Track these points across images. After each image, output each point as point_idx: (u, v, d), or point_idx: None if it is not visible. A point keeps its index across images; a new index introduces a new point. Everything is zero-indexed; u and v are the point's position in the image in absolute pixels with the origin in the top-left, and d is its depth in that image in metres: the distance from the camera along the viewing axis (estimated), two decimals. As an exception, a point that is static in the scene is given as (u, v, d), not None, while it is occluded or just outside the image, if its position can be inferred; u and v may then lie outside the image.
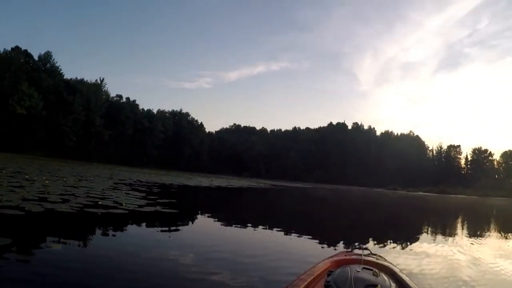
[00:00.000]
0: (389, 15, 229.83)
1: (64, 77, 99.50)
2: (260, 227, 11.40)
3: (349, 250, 5.99)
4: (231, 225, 11.31)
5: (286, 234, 10.42)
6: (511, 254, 10.64)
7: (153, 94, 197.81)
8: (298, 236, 10.06)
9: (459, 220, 26.05)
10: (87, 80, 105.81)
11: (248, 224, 11.57)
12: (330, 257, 4.68)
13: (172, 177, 46.51)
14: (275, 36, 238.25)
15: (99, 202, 10.86)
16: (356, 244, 9.25)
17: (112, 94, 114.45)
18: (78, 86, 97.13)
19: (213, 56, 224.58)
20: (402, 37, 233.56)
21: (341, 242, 9.80)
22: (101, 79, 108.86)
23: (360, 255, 4.45)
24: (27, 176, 18.66)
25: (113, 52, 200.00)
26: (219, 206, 18.59)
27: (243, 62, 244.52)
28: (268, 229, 11.17)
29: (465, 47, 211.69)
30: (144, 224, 9.12)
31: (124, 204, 11.05)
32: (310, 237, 10.25)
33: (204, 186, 33.48)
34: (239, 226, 11.31)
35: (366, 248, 4.73)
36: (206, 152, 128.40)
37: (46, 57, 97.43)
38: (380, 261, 4.35)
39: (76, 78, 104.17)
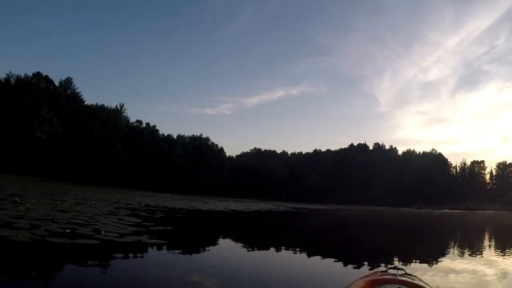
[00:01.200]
0: (406, 36, 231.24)
1: (85, 103, 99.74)
2: (284, 249, 11.02)
3: (384, 270, 5.69)
4: (252, 249, 10.15)
5: (311, 255, 10.40)
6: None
7: (174, 120, 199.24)
8: (323, 257, 10.03)
9: (488, 235, 25.07)
10: (107, 106, 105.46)
11: (271, 247, 11.23)
12: (365, 276, 4.84)
13: (187, 201, 45.38)
14: (295, 61, 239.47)
15: (67, 230, 9.40)
16: (391, 264, 8.57)
17: (132, 119, 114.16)
18: (98, 112, 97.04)
19: (233, 82, 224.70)
20: (420, 58, 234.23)
21: (375, 261, 9.80)
22: (121, 104, 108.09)
23: (395, 275, 4.55)
24: (17, 198, 17.60)
25: (135, 78, 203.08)
26: (229, 231, 17.33)
27: (263, 88, 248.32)
28: (292, 251, 10.85)
29: (483, 64, 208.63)
30: (112, 257, 7.79)
31: (103, 233, 9.72)
32: (337, 259, 10.08)
33: (218, 210, 32.28)
34: (259, 249, 10.82)
35: (401, 268, 4.82)
36: (226, 176, 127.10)
37: (67, 83, 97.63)
38: (415, 281, 4.45)
39: (97, 104, 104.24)
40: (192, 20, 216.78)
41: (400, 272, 4.59)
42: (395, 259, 11.11)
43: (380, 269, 6.76)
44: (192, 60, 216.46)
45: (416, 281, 4.36)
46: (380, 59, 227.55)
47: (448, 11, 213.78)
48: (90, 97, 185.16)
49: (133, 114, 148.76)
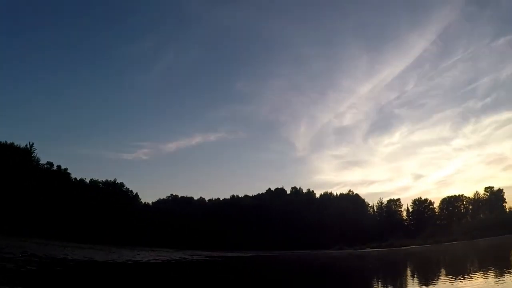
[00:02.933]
0: (322, 83, 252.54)
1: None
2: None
3: None
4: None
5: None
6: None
7: (90, 164, 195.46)
8: None
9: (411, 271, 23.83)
10: (18, 145, 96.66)
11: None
12: None
13: (90, 251, 40.73)
14: (213, 108, 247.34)
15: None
16: None
17: (43, 161, 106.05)
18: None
19: (152, 127, 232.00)
20: (335, 104, 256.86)
21: None
22: (31, 144, 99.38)
23: None
24: None
25: (47, 119, 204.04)
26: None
27: (181, 133, 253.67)
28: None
29: (394, 109, 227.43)
30: None
31: None
32: None
33: (119, 262, 28.39)
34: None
35: None
36: (141, 224, 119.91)
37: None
38: None
39: (6, 141, 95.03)
40: (111, 63, 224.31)
41: None
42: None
43: None
44: (109, 104, 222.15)
45: None
46: (297, 106, 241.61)
47: (362, 59, 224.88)
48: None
49: (43, 155, 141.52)
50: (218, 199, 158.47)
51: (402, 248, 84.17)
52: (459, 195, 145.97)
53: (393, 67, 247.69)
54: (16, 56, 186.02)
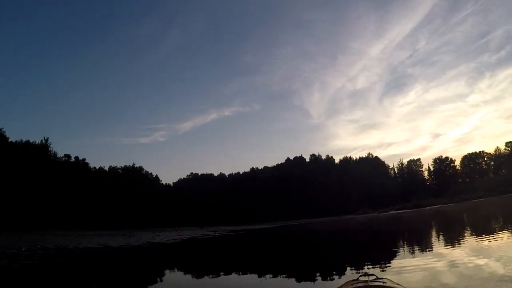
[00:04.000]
0: (331, 48, 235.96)
1: (9, 140, 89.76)
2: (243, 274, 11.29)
3: (355, 278, 5.42)
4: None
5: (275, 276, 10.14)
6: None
7: (107, 152, 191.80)
8: (287, 277, 9.80)
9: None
10: (33, 142, 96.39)
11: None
12: None
13: (108, 237, 39.67)
14: (225, 82, 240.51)
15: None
16: (361, 271, 8.83)
17: (61, 154, 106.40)
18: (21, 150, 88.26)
19: (166, 108, 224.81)
20: (346, 68, 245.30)
21: (344, 271, 10.13)
22: (46, 138, 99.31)
23: (367, 281, 4.71)
24: None
25: (59, 111, 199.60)
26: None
27: (196, 111, 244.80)
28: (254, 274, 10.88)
29: (407, 68, 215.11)
30: None
31: None
32: (303, 277, 9.83)
33: (134, 245, 27.23)
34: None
35: (371, 274, 5.03)
36: (163, 205, 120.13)
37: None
38: (387, 284, 4.64)
39: (21, 140, 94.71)
40: (118, 47, 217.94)
41: (372, 277, 4.69)
42: (365, 266, 11.27)
43: (352, 277, 6.31)
44: (120, 89, 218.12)
45: (388, 284, 4.47)
46: (308, 73, 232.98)
47: (370, 19, 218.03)
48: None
49: (61, 149, 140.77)
50: (238, 173, 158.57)
51: (428, 208, 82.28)
52: (480, 151, 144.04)
53: (402, 25, 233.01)
54: (17, 47, 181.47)
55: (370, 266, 10.93)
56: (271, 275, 10.46)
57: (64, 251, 21.40)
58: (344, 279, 8.10)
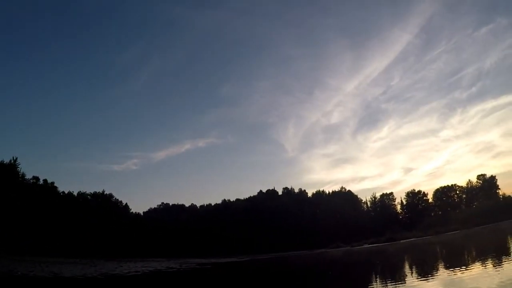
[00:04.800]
0: (308, 83, 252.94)
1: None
2: None
3: None
4: None
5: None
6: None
7: (79, 177, 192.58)
8: None
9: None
10: (2, 161, 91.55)
11: None
12: None
13: (61, 265, 36.72)
14: (201, 113, 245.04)
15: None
16: None
17: (29, 176, 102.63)
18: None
19: (141, 137, 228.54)
20: (322, 103, 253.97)
21: None
22: (14, 158, 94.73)
23: None
24: None
25: (32, 134, 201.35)
26: None
27: (170, 141, 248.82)
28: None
29: (381, 104, 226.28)
30: None
31: None
32: None
33: (89, 277, 24.75)
34: None
35: None
36: (131, 235, 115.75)
37: None
38: None
39: None
40: (96, 73, 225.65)
41: None
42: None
43: None
44: (95, 114, 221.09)
45: None
46: (284, 107, 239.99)
47: (346, 56, 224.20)
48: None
49: (32, 171, 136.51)
50: (210, 204, 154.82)
51: (402, 241, 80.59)
52: (452, 184, 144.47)
53: (377, 62, 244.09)
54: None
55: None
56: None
57: (9, 279, 18.94)
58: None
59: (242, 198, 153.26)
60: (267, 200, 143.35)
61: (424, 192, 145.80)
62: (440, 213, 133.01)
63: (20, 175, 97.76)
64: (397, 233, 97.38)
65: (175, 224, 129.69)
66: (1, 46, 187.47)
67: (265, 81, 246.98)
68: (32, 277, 23.31)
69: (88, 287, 20.96)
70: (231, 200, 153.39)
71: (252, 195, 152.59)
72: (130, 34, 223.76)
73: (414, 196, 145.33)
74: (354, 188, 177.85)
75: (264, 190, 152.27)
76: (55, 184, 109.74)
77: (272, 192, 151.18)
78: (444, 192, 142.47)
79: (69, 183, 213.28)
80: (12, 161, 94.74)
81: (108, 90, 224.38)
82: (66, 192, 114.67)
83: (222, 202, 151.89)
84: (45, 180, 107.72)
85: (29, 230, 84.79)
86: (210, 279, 28.88)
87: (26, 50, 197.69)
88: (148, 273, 31.52)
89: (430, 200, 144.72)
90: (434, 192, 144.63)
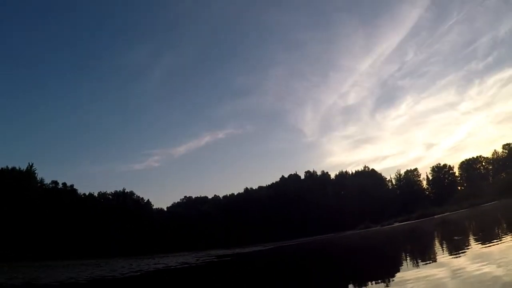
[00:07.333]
0: (322, 66, 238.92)
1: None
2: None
3: None
4: None
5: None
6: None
7: (100, 180, 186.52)
8: None
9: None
10: (19, 168, 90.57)
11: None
12: None
13: (66, 268, 32.24)
14: (218, 105, 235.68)
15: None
16: None
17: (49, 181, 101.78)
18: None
19: (160, 134, 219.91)
20: (337, 84, 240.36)
21: None
22: (30, 164, 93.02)
23: None
24: None
25: (53, 138, 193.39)
26: None
27: (189, 135, 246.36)
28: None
29: (397, 81, 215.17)
30: None
31: None
32: None
33: (80, 281, 20.08)
34: None
35: None
36: (155, 231, 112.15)
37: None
38: None
39: (7, 167, 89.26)
40: (111, 73, 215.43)
41: None
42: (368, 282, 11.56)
43: None
44: (113, 115, 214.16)
45: None
46: (300, 92, 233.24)
47: (358, 36, 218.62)
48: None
49: (53, 176, 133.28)
50: (233, 194, 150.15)
51: (436, 217, 74.36)
52: (477, 156, 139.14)
53: (390, 39, 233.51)
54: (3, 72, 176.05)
55: (374, 282, 11.12)
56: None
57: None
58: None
59: (265, 185, 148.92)
60: (289, 186, 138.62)
61: (450, 166, 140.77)
62: (468, 186, 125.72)
63: (38, 181, 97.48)
64: (427, 209, 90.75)
65: (199, 216, 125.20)
66: (15, 50, 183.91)
67: (278, 68, 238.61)
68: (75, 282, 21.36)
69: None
70: (254, 188, 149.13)
71: (274, 182, 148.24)
72: (140, 33, 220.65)
73: (440, 171, 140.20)
74: (376, 167, 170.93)
75: (286, 175, 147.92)
76: (74, 187, 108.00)
77: (294, 177, 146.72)
78: (469, 165, 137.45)
79: (92, 187, 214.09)
80: (29, 167, 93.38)
81: (123, 89, 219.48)
82: (86, 193, 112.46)
83: (244, 191, 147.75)
84: (64, 184, 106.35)
85: (46, 234, 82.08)
86: (213, 274, 24.71)
87: (39, 54, 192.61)
88: (152, 271, 27.04)
89: (457, 174, 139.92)
90: (459, 165, 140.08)
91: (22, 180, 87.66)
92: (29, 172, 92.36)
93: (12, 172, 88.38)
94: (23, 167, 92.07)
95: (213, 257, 44.09)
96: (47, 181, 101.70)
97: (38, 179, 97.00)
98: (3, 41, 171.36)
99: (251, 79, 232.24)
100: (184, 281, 21.78)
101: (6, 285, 20.92)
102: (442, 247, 19.08)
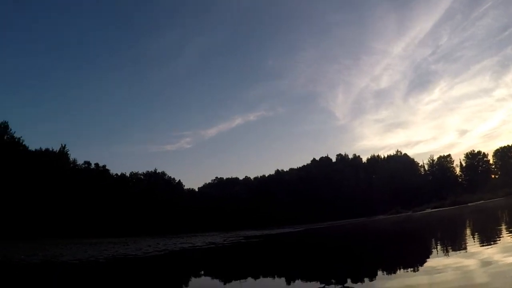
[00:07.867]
0: (354, 49, 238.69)
1: (29, 149, 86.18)
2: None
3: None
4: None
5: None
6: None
7: (134, 160, 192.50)
8: None
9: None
10: (52, 149, 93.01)
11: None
12: None
13: (117, 245, 32.83)
14: (249, 87, 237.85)
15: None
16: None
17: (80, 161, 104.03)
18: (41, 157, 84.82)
19: (191, 116, 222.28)
20: (370, 67, 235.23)
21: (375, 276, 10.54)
22: (63, 145, 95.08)
23: None
24: None
25: (87, 120, 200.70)
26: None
27: (221, 117, 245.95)
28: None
29: (430, 65, 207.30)
30: None
31: None
32: None
33: (91, 260, 20.15)
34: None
35: (336, 283, 5.30)
36: (186, 211, 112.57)
37: (3, 129, 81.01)
38: None
39: (40, 148, 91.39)
40: (142, 56, 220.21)
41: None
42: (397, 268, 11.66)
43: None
44: (145, 97, 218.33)
45: None
46: (331, 74, 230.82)
47: (390, 18, 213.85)
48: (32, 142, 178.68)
49: (87, 157, 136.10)
50: (264, 175, 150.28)
51: (470, 204, 72.62)
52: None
53: (423, 22, 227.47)
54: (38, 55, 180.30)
55: (402, 269, 11.17)
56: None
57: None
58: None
59: (296, 167, 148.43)
60: (321, 168, 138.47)
61: (484, 153, 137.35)
62: (503, 174, 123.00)
63: (71, 161, 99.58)
64: (460, 196, 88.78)
65: (230, 197, 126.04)
66: (49, 34, 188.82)
67: (309, 51, 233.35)
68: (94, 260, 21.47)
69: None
70: (285, 170, 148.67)
71: (305, 164, 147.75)
72: (172, 16, 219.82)
73: (474, 158, 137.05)
74: (408, 152, 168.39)
75: (317, 158, 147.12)
76: (107, 167, 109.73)
77: (325, 160, 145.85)
78: (504, 153, 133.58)
79: (124, 167, 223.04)
80: (62, 148, 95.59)
81: (156, 71, 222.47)
82: (119, 174, 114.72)
83: (275, 172, 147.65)
84: (96, 164, 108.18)
85: (76, 212, 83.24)
86: (236, 254, 24.81)
87: (75, 37, 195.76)
88: (178, 251, 27.35)
89: (491, 161, 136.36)
90: (494, 152, 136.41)
91: (55, 160, 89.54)
92: (62, 153, 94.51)
93: (45, 153, 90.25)
94: (56, 148, 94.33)
95: (241, 238, 43.89)
96: (80, 161, 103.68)
97: (70, 160, 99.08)
98: (43, 25, 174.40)
99: (282, 62, 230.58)
100: (202, 261, 21.71)
101: (24, 262, 20.93)
102: (474, 236, 18.49)
